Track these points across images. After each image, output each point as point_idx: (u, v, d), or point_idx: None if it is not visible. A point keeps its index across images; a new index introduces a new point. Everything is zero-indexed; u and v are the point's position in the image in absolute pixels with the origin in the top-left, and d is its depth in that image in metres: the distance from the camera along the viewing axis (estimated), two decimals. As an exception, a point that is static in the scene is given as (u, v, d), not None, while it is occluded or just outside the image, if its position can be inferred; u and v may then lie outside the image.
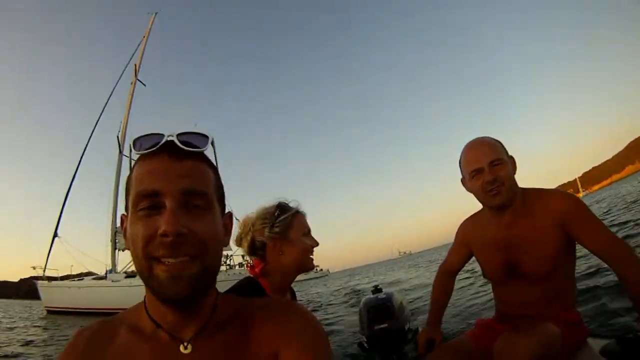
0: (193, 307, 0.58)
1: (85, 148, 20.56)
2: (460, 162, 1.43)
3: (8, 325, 12.41)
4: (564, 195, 1.35)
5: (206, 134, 0.61)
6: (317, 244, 1.29)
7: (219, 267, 0.61)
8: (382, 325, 1.87)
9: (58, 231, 18.92)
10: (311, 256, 1.27)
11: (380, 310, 1.91)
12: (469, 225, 1.60)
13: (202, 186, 0.58)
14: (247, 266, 1.32)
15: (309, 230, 1.30)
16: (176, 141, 0.57)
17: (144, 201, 0.54)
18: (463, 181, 1.46)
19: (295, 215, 1.29)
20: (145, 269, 0.54)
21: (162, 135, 0.57)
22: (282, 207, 1.30)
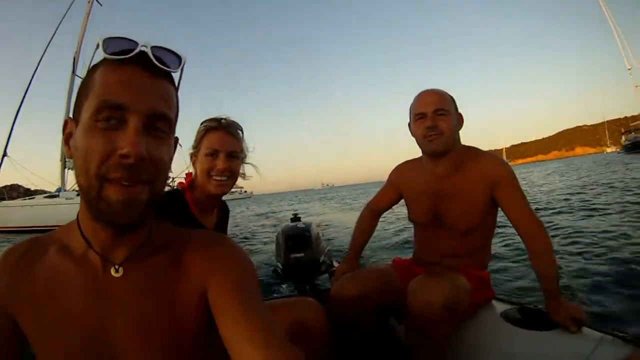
0: (129, 230, 0.56)
1: (38, 66, 19.14)
2: (410, 107, 1.45)
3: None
4: (499, 160, 1.39)
5: (180, 54, 0.56)
6: (214, 167, 1.15)
7: (161, 195, 0.58)
8: (299, 255, 1.89)
9: (7, 150, 18.27)
10: (216, 178, 1.14)
11: (298, 239, 1.90)
12: (403, 169, 1.62)
13: (169, 110, 0.54)
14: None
15: (215, 152, 1.15)
16: (150, 55, 0.52)
17: (105, 112, 0.49)
18: (409, 125, 1.47)
19: (207, 131, 1.18)
20: (94, 188, 0.49)
21: (136, 44, 0.52)
22: (202, 123, 1.21)
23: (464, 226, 1.36)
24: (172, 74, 0.56)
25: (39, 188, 20.11)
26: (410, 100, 1.46)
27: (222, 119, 1.20)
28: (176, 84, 0.59)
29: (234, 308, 0.54)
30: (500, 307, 1.34)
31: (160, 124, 0.53)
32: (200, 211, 1.19)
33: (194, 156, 1.21)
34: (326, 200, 26.13)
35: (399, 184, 1.62)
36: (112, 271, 0.56)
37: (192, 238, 0.64)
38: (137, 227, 0.55)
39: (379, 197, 1.70)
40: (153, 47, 0.53)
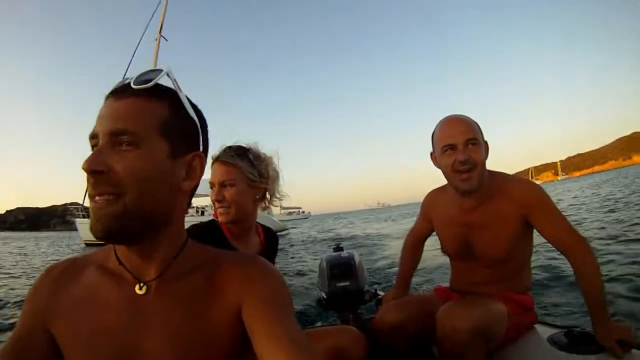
0: (149, 249, 0.58)
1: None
2: (433, 136, 1.37)
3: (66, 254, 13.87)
4: (528, 184, 1.34)
5: (162, 67, 0.59)
6: (215, 199, 1.18)
7: (163, 210, 0.58)
8: (343, 283, 1.87)
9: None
10: (217, 209, 1.18)
11: (342, 269, 1.89)
12: (433, 198, 1.59)
13: (130, 124, 0.54)
14: None
15: (211, 184, 1.20)
16: (131, 82, 0.56)
17: (91, 142, 0.55)
18: (432, 156, 1.39)
19: (213, 162, 1.22)
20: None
21: (126, 79, 0.58)
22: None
23: (499, 255, 1.33)
24: (163, 89, 0.59)
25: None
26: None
27: (226, 147, 1.23)
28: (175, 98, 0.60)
29: (269, 327, 0.54)
30: (545, 331, 1.30)
31: (125, 138, 0.53)
32: (236, 239, 1.21)
33: None
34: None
35: (429, 214, 1.59)
36: (137, 288, 0.58)
37: (226, 258, 0.65)
38: (125, 241, 0.56)
39: (417, 226, 1.69)
40: (140, 74, 0.57)
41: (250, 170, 1.19)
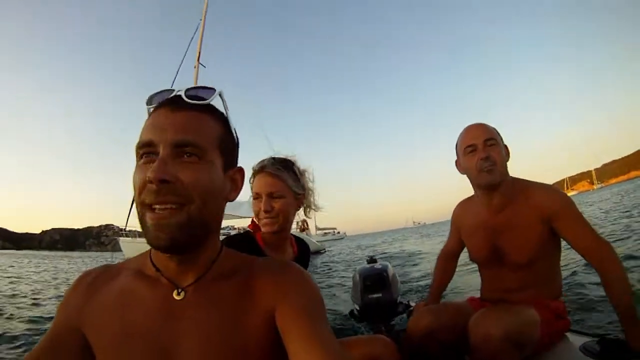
0: (191, 257, 0.60)
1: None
2: (456, 144, 1.45)
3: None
4: (552, 191, 1.35)
5: (214, 87, 0.61)
6: (265, 209, 1.18)
7: (215, 220, 0.62)
8: (376, 295, 1.88)
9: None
10: (262, 219, 1.20)
11: (375, 280, 1.91)
12: (460, 209, 1.63)
13: (195, 137, 0.56)
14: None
15: (257, 195, 1.22)
16: (182, 95, 0.58)
17: (142, 150, 0.56)
18: (457, 162, 1.47)
19: (253, 175, 1.25)
20: (139, 216, 0.55)
21: (173, 91, 0.59)
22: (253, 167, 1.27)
23: (524, 259, 1.33)
24: (215, 106, 0.62)
25: (131, 228, 21.96)
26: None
27: (272, 158, 1.25)
28: (223, 115, 0.64)
29: (304, 332, 0.54)
30: (578, 339, 1.30)
31: (189, 149, 0.55)
32: (271, 250, 1.23)
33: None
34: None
35: (458, 224, 1.63)
36: (175, 294, 0.59)
37: (260, 264, 0.66)
38: (190, 251, 0.58)
39: (449, 240, 1.73)
40: (188, 89, 0.59)
41: (295, 183, 1.24)
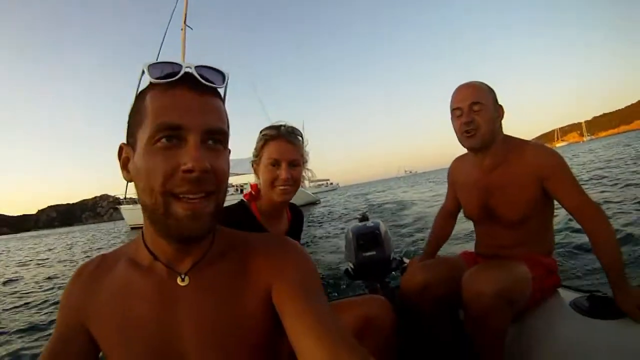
0: (197, 243, 0.59)
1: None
2: (450, 102, 1.46)
3: (119, 238, 15.58)
4: (544, 150, 1.35)
5: (222, 70, 0.58)
6: (277, 177, 1.16)
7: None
8: (369, 253, 1.89)
9: None
10: (280, 187, 1.17)
11: (368, 239, 1.91)
12: (456, 165, 1.65)
13: (222, 124, 0.56)
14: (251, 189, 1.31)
15: (276, 161, 1.17)
16: (195, 74, 0.54)
17: (163, 133, 0.51)
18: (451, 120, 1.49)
19: (267, 141, 1.20)
20: (161, 205, 0.52)
21: (180, 66, 0.54)
22: (261, 132, 1.23)
23: (516, 218, 1.36)
24: (218, 89, 0.58)
25: (130, 196, 22.79)
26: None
27: (281, 126, 1.21)
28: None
29: (300, 308, 0.55)
30: (568, 295, 1.32)
31: (216, 137, 0.55)
32: (267, 220, 1.23)
33: (255, 165, 1.24)
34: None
35: (453, 181, 1.64)
36: (179, 280, 0.59)
37: (255, 241, 0.66)
38: (204, 238, 0.57)
39: (447, 198, 1.73)
40: (197, 67, 0.54)
41: (305, 151, 1.26)
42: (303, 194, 27.99)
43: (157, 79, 0.53)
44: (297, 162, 1.20)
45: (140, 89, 0.57)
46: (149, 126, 0.52)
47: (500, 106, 1.38)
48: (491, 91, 1.37)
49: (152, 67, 0.53)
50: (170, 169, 0.51)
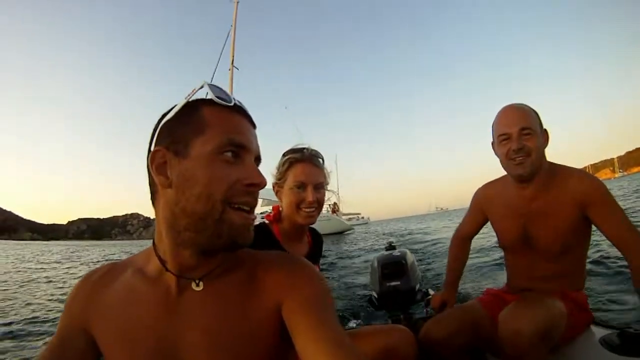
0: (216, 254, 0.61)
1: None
2: (492, 126, 1.40)
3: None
4: (588, 177, 1.31)
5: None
6: (303, 200, 1.17)
7: None
8: (394, 283, 1.87)
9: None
10: (305, 210, 1.17)
11: (393, 268, 1.89)
12: (487, 191, 1.58)
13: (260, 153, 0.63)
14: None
15: (302, 184, 1.18)
16: (245, 108, 0.61)
17: (231, 148, 0.56)
18: (493, 145, 1.43)
19: (292, 164, 1.20)
20: (218, 211, 0.54)
21: (229, 95, 0.60)
22: (285, 154, 1.24)
23: (557, 247, 1.31)
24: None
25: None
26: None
27: (304, 149, 1.22)
28: None
29: (310, 324, 0.54)
30: (599, 332, 1.28)
31: (259, 162, 0.62)
32: (288, 242, 1.22)
33: (278, 187, 1.23)
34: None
35: (485, 208, 1.58)
36: (193, 285, 0.59)
37: (265, 258, 0.66)
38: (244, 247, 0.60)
39: (466, 223, 1.69)
40: (238, 102, 0.61)
41: (327, 173, 1.27)
42: (338, 222, 29.64)
43: (222, 100, 0.58)
44: (321, 184, 1.21)
45: (190, 100, 0.59)
46: (215, 138, 0.55)
47: (546, 131, 1.32)
48: (537, 116, 1.32)
49: (214, 89, 0.59)
50: (235, 180, 0.55)
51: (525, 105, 1.32)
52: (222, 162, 0.55)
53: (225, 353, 0.56)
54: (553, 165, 1.35)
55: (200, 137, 0.55)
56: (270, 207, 1.34)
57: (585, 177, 1.30)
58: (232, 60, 22.46)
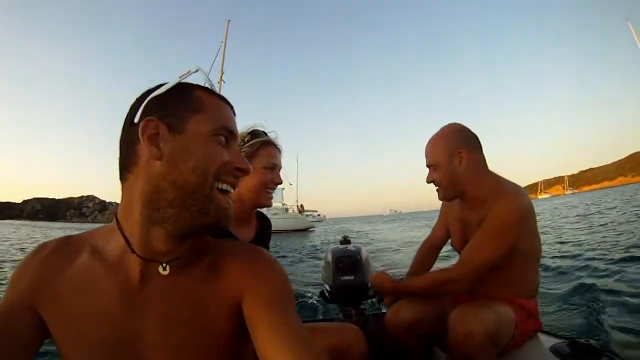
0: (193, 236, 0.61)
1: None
2: None
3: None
4: (510, 201, 1.27)
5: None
6: (277, 182, 1.21)
7: None
8: (348, 277, 1.83)
9: None
10: (268, 191, 1.20)
11: (348, 262, 1.85)
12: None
13: None
14: None
15: (274, 166, 1.21)
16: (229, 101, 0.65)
17: (224, 133, 0.59)
18: None
19: (264, 145, 1.22)
20: (209, 186, 0.56)
21: (215, 89, 0.63)
22: (253, 134, 1.24)
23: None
24: None
25: (113, 200, 22.85)
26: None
27: (264, 132, 1.26)
28: None
29: (270, 321, 0.54)
30: (548, 340, 1.31)
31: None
32: (238, 223, 1.20)
33: None
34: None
35: (446, 215, 1.63)
36: (160, 269, 0.58)
37: (228, 248, 0.65)
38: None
39: (435, 230, 1.71)
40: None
41: None
42: (303, 220, 31.89)
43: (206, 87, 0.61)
44: (280, 167, 1.26)
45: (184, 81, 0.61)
46: (211, 120, 0.58)
47: (460, 152, 1.34)
48: (448, 141, 1.35)
49: (204, 74, 0.62)
50: (227, 161, 0.58)
51: (435, 136, 1.41)
52: (216, 142, 0.58)
53: (183, 345, 0.56)
54: (490, 177, 1.37)
55: (196, 116, 0.57)
56: None
57: (510, 200, 1.27)
58: (221, 76, 24.54)
